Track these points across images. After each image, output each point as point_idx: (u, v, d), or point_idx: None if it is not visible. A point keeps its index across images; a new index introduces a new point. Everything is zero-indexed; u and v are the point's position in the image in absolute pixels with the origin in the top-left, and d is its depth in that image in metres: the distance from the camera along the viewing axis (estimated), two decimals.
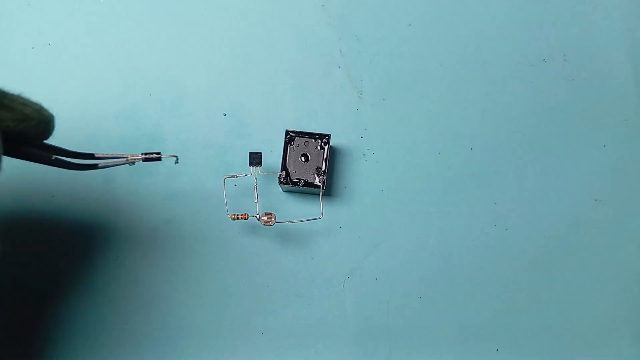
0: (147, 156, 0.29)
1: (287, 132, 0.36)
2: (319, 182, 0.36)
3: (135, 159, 0.29)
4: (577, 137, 0.39)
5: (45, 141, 0.27)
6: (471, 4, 0.41)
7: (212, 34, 0.40)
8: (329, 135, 0.36)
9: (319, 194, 0.36)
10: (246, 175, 0.35)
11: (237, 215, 0.35)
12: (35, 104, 0.24)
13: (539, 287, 0.37)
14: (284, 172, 0.36)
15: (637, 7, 0.40)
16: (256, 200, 0.36)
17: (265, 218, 0.35)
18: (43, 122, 0.25)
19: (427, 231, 0.38)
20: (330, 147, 0.36)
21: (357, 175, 0.39)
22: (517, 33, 0.40)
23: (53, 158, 0.26)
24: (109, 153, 0.29)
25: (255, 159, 0.35)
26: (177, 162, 0.31)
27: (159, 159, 0.29)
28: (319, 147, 0.36)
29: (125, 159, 0.29)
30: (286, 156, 0.36)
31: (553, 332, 0.37)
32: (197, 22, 0.40)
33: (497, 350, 0.37)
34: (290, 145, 0.36)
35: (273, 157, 0.37)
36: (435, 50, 0.40)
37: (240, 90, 0.39)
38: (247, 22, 0.40)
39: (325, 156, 0.36)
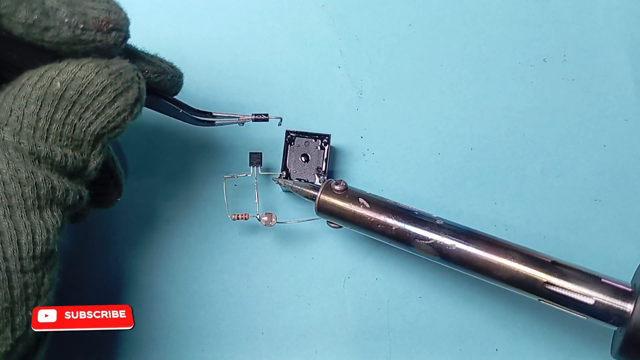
0: (256, 116, 0.33)
1: (288, 132, 0.36)
2: (320, 182, 0.36)
3: (246, 119, 0.33)
4: (577, 137, 0.39)
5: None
6: (471, 4, 0.41)
7: (212, 34, 0.40)
8: (329, 136, 0.36)
9: None
10: (246, 175, 0.35)
11: (238, 215, 0.35)
12: (169, 62, 0.28)
13: None
14: (284, 172, 0.36)
15: (637, 7, 0.40)
16: (256, 201, 0.36)
17: (265, 218, 0.35)
18: (176, 76, 0.28)
19: None
20: (331, 147, 0.36)
21: (357, 175, 0.39)
22: (517, 33, 0.40)
23: (180, 112, 0.30)
24: (225, 113, 0.33)
25: (256, 159, 0.35)
26: (280, 125, 0.35)
27: (266, 120, 0.33)
28: (319, 147, 0.36)
29: (237, 119, 0.33)
30: (286, 156, 0.36)
31: (553, 332, 0.37)
32: (197, 22, 0.40)
33: (497, 350, 0.37)
34: (291, 145, 0.36)
35: (273, 157, 0.37)
36: (435, 50, 0.40)
37: (241, 90, 0.39)
38: (247, 22, 0.40)
39: (325, 156, 0.36)
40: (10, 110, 0.21)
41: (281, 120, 0.35)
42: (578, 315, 0.28)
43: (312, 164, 0.36)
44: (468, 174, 0.39)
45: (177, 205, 0.38)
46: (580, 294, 0.27)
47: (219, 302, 0.37)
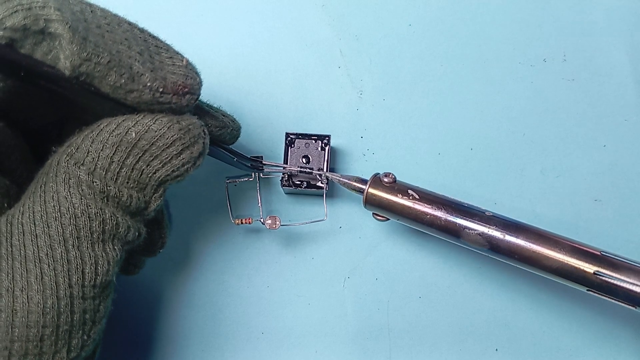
0: (301, 169, 0.35)
1: (287, 135, 0.36)
2: (322, 183, 0.35)
3: (291, 169, 0.35)
4: (577, 137, 0.39)
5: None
6: (471, 4, 0.41)
7: (212, 34, 0.40)
8: (329, 136, 0.36)
9: (321, 195, 0.36)
10: (248, 180, 0.35)
11: (242, 220, 0.35)
12: (230, 115, 0.31)
13: (539, 286, 0.37)
14: (286, 175, 0.35)
15: (637, 7, 0.40)
16: (259, 204, 0.36)
17: (269, 222, 0.35)
18: (235, 129, 0.31)
19: None
20: (331, 148, 0.36)
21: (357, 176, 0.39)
22: (517, 33, 0.40)
23: (235, 160, 0.32)
24: (273, 162, 0.36)
25: (257, 162, 0.35)
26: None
27: (310, 173, 0.35)
28: (319, 148, 0.36)
29: (283, 169, 0.35)
30: (287, 158, 0.36)
31: (553, 332, 0.37)
32: (197, 22, 0.40)
33: (497, 350, 0.37)
34: (291, 147, 0.36)
35: (274, 159, 0.37)
36: (435, 50, 0.40)
37: (240, 90, 0.39)
38: (247, 22, 0.40)
39: (326, 157, 0.36)
40: (88, 152, 0.23)
41: (327, 185, 0.36)
42: (627, 305, 0.28)
43: (313, 165, 0.36)
44: (468, 174, 0.39)
45: (178, 205, 0.38)
46: (631, 282, 0.27)
47: (219, 302, 0.37)
